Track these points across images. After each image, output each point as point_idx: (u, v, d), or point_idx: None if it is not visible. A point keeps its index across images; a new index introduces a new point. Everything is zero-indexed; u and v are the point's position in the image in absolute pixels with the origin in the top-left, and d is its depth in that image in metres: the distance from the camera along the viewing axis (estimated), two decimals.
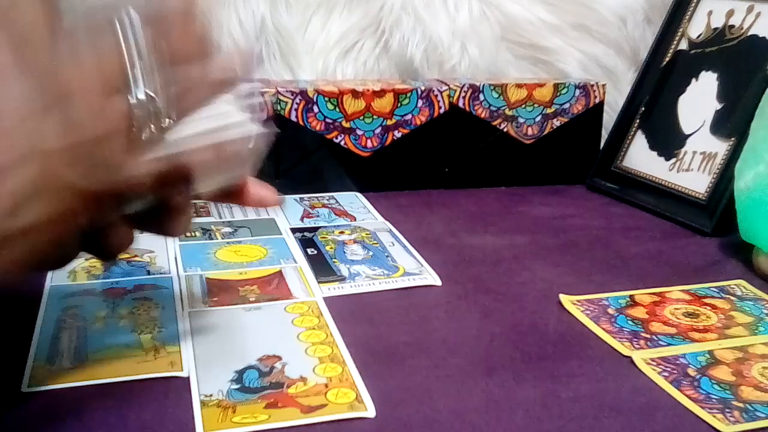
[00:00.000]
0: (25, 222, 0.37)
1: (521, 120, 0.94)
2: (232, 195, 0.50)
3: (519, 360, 0.54)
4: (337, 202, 0.86)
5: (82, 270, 0.65)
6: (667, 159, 0.89)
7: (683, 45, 0.93)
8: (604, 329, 0.58)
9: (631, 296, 0.64)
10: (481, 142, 0.94)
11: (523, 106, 0.94)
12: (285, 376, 0.50)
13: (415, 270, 0.68)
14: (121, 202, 0.42)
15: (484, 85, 0.92)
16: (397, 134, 0.90)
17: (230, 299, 0.61)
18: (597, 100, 0.96)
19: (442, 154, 0.93)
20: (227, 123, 0.43)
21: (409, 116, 0.90)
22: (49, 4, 0.37)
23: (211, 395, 0.47)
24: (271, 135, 0.45)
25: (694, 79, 0.90)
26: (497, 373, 0.52)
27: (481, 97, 0.92)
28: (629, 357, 0.54)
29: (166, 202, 0.44)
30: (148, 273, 0.65)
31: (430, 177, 0.93)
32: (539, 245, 0.76)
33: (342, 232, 0.76)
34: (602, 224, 0.83)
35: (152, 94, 0.38)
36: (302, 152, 0.88)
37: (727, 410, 0.48)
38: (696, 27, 0.92)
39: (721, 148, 0.84)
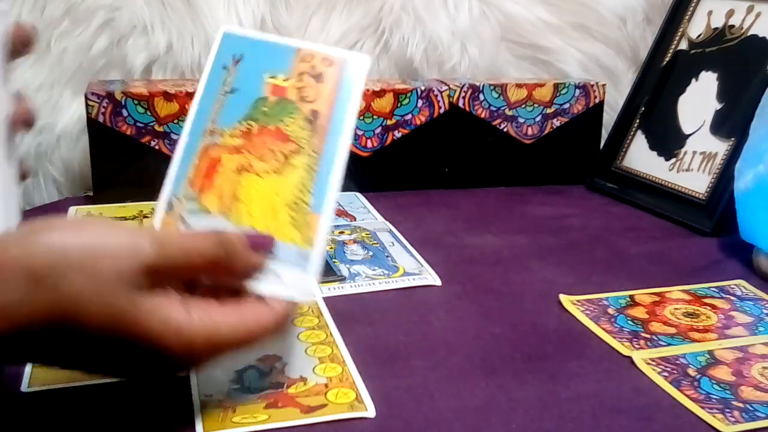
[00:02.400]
0: None
1: (521, 120, 0.94)
2: None
3: (519, 360, 0.54)
4: (337, 202, 0.86)
5: None
6: (667, 159, 0.89)
7: (683, 45, 0.93)
8: (604, 329, 0.58)
9: (631, 296, 0.64)
10: (481, 142, 0.94)
11: (523, 106, 0.94)
12: (285, 376, 0.50)
13: (415, 270, 0.68)
14: None
15: (484, 85, 0.92)
16: (397, 134, 0.90)
17: None
18: (597, 100, 0.96)
19: (442, 154, 0.93)
20: None
21: (409, 116, 0.90)
22: None
23: (211, 395, 0.47)
24: None
25: (694, 79, 0.90)
26: (497, 373, 0.52)
27: (481, 97, 0.92)
28: (629, 357, 0.54)
29: None
30: None
31: (430, 177, 0.93)
32: (539, 245, 0.76)
33: (342, 232, 0.76)
34: (602, 224, 0.83)
35: None
36: None
37: (727, 410, 0.48)
38: (696, 27, 0.92)
39: (721, 148, 0.84)
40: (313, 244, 0.46)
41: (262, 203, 0.47)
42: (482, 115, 0.93)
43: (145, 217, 0.79)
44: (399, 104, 0.89)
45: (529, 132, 0.95)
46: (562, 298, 0.63)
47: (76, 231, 0.40)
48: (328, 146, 0.47)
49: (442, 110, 0.91)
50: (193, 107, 0.51)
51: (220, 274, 0.44)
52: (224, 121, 0.50)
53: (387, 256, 0.71)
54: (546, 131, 0.95)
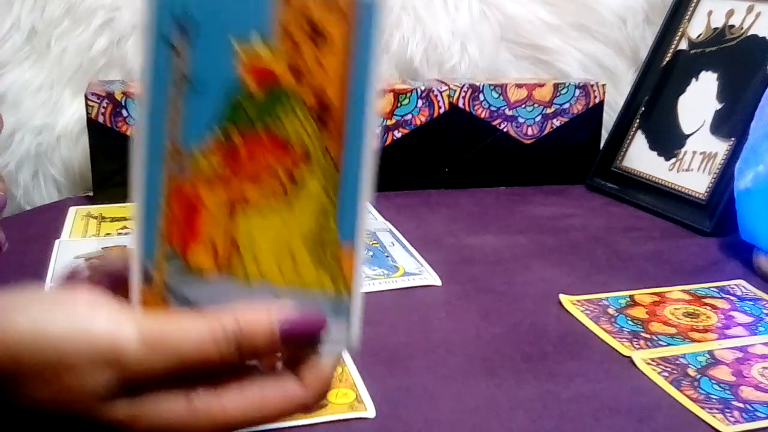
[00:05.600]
0: None
1: (521, 120, 0.94)
2: None
3: (519, 360, 0.54)
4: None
5: None
6: (667, 159, 0.89)
7: (683, 45, 0.93)
8: (604, 329, 0.58)
9: (631, 296, 0.64)
10: (481, 142, 0.94)
11: (523, 106, 0.94)
12: None
13: (415, 270, 0.68)
14: None
15: (484, 85, 0.92)
16: (397, 134, 0.90)
17: None
18: (597, 100, 0.96)
19: (442, 154, 0.93)
20: None
21: (409, 116, 0.90)
22: None
23: None
24: None
25: (694, 79, 0.90)
26: (497, 373, 0.52)
27: (481, 97, 0.92)
28: (629, 357, 0.54)
29: None
30: None
31: (430, 177, 0.93)
32: (539, 245, 0.76)
33: None
34: (602, 224, 0.83)
35: None
36: None
37: (727, 410, 0.48)
38: (696, 27, 0.92)
39: (721, 148, 0.84)
40: (349, 287, 0.36)
41: (271, 245, 0.34)
42: (482, 115, 0.93)
43: None
44: (399, 104, 0.89)
45: (529, 132, 0.95)
46: (562, 298, 0.63)
47: (36, 320, 0.30)
48: (349, 146, 0.34)
49: (442, 110, 0.91)
50: (141, 119, 0.33)
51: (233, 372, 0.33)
52: (189, 135, 0.33)
53: (387, 256, 0.71)
54: (546, 131, 0.95)
